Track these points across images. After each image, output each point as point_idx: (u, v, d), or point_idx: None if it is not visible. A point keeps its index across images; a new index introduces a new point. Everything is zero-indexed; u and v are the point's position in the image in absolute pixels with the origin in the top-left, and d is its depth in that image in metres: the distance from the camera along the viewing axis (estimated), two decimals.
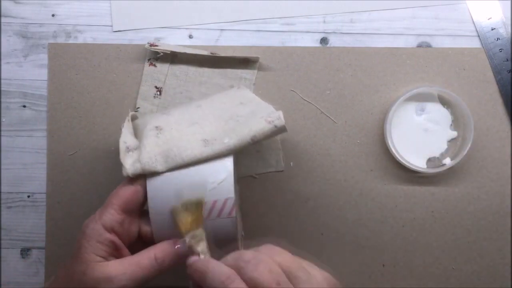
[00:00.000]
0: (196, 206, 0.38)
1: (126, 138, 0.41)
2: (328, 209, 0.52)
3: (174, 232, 0.39)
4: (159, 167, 0.39)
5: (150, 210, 0.39)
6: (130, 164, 0.39)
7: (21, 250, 0.52)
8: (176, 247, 0.38)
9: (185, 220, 0.37)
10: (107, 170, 0.51)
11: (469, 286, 0.51)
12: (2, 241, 0.52)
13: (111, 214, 0.38)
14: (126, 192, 0.39)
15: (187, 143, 0.40)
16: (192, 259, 0.35)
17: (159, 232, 0.39)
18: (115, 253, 0.38)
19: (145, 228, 0.40)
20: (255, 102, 0.45)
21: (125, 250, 0.39)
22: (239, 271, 0.31)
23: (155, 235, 0.40)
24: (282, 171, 0.51)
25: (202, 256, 0.36)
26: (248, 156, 0.51)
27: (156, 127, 0.42)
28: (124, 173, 0.39)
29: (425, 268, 0.51)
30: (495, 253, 0.51)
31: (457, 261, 0.51)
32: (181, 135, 0.41)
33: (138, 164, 0.39)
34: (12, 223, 0.52)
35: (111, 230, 0.37)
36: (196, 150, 0.39)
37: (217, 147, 0.39)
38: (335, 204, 0.51)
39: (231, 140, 0.39)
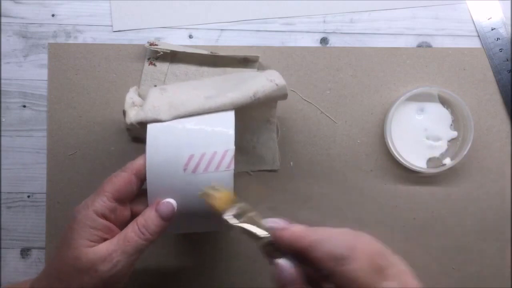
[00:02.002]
0: (224, 187, 0.38)
1: (133, 96, 0.43)
2: (328, 209, 0.52)
3: (168, 188, 0.39)
4: (162, 115, 0.40)
5: (147, 160, 0.39)
6: (133, 114, 0.40)
7: (21, 250, 0.52)
8: (156, 209, 0.38)
9: (219, 198, 0.37)
10: (107, 170, 0.51)
11: (469, 286, 0.51)
12: (2, 241, 0.52)
13: (103, 202, 0.38)
14: (120, 180, 0.39)
15: (190, 99, 0.41)
16: (278, 222, 0.34)
17: (154, 186, 0.39)
18: (108, 237, 0.38)
19: (137, 208, 0.40)
20: (257, 73, 0.46)
21: (118, 232, 0.39)
22: None
23: (149, 188, 0.39)
24: (277, 170, 0.51)
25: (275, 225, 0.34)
26: (244, 152, 0.51)
27: (161, 88, 0.43)
28: (128, 121, 0.40)
29: (425, 268, 0.51)
30: (495, 253, 0.51)
31: (457, 261, 0.51)
32: (185, 94, 0.42)
33: (142, 112, 0.40)
34: (12, 223, 0.52)
35: (102, 217, 0.38)
36: (199, 101, 0.40)
37: (219, 100, 0.40)
38: (335, 204, 0.51)
39: (234, 94, 0.40)
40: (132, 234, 0.37)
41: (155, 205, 0.39)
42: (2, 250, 0.52)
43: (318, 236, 0.32)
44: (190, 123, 0.40)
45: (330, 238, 0.32)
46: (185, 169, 0.38)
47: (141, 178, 0.40)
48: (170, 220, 0.39)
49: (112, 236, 0.38)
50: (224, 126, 0.40)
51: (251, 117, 0.49)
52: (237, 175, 0.51)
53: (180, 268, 0.52)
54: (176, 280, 0.52)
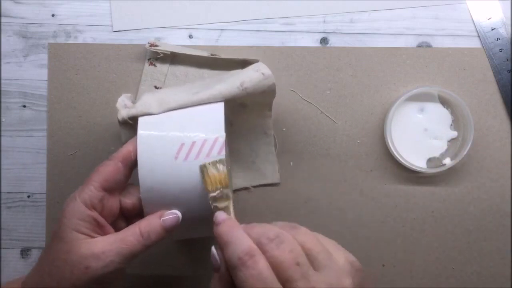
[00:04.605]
0: (224, 164, 0.38)
1: (125, 99, 0.44)
2: (328, 209, 0.52)
3: (160, 178, 0.38)
4: (152, 109, 0.41)
5: (138, 151, 0.39)
6: (125, 112, 0.41)
7: (21, 250, 0.52)
8: (161, 220, 0.38)
9: (213, 177, 0.37)
10: None
11: (469, 286, 0.51)
12: (2, 241, 0.52)
13: (91, 191, 0.38)
14: (106, 169, 0.39)
15: (180, 96, 0.42)
16: (220, 217, 0.34)
17: (146, 177, 0.39)
18: (98, 230, 0.38)
19: (126, 202, 0.40)
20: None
21: (108, 227, 0.39)
22: (262, 247, 0.31)
23: (140, 179, 0.39)
24: (278, 183, 0.51)
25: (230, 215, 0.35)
26: (243, 167, 0.51)
27: (152, 92, 0.45)
28: (119, 117, 0.41)
29: (425, 268, 0.51)
30: (495, 253, 0.51)
31: (457, 261, 0.51)
32: (175, 93, 0.43)
33: (133, 109, 0.41)
34: (12, 223, 0.52)
35: (91, 207, 0.37)
36: (189, 96, 0.42)
37: (207, 92, 0.41)
38: (335, 204, 0.51)
39: (221, 85, 0.42)
40: (131, 238, 0.37)
41: (161, 214, 0.38)
42: (2, 250, 0.52)
43: (228, 238, 0.31)
44: (180, 114, 0.41)
45: (236, 241, 0.31)
46: (176, 157, 0.38)
47: (129, 166, 0.40)
48: (173, 232, 0.39)
49: (101, 231, 0.38)
50: (214, 114, 0.40)
51: (247, 129, 0.49)
52: (237, 192, 0.51)
53: (179, 274, 0.52)
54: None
